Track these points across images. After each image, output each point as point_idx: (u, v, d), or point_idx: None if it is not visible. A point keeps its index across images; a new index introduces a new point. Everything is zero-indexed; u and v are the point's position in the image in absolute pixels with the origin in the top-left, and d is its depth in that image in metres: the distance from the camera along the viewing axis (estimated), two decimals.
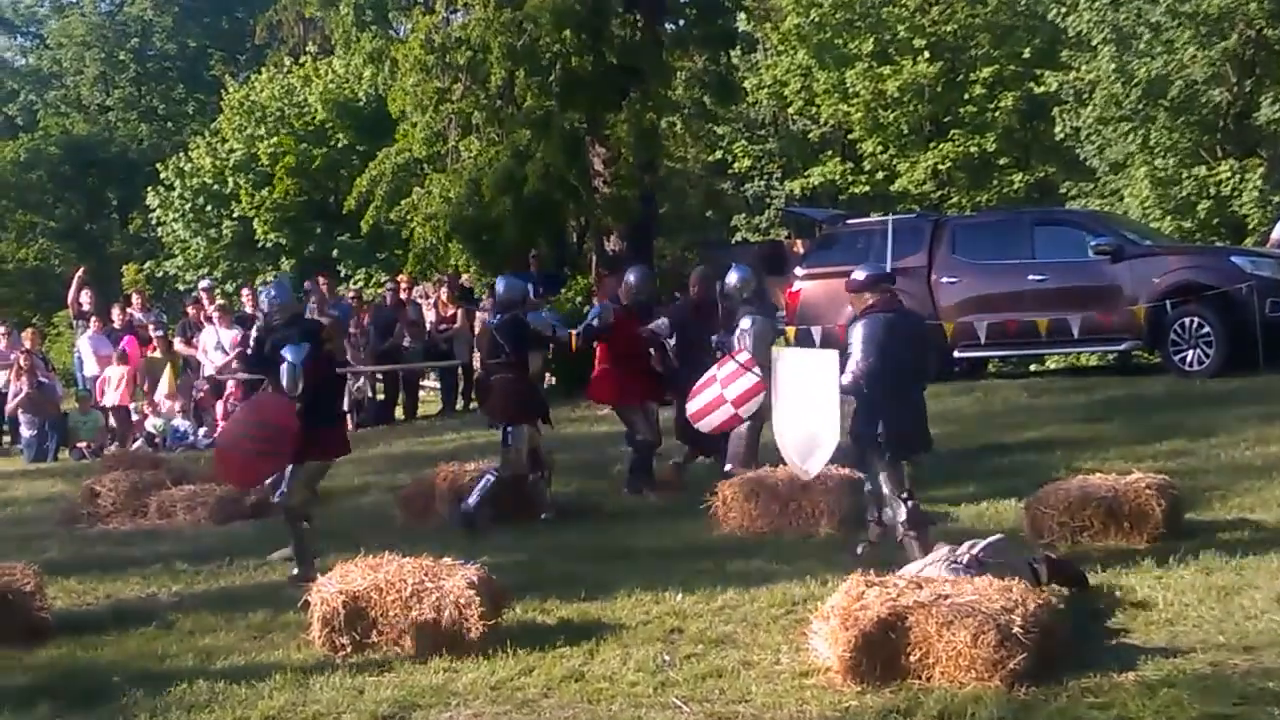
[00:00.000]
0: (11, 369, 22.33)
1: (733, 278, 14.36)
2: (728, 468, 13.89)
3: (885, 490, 10.54)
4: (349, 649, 9.14)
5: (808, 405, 10.71)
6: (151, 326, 22.93)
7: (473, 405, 22.27)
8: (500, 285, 14.94)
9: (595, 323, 15.53)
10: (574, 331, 16.15)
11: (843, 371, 10.42)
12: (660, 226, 31.68)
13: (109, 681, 8.98)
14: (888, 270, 11.53)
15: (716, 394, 13.64)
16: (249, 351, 14.19)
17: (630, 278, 16.05)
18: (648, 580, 10.59)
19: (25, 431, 21.81)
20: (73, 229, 52.17)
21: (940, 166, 32.12)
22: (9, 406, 22.47)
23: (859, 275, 11.00)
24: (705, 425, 13.89)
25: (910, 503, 10.47)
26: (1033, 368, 24.03)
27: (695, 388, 13.83)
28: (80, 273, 24.96)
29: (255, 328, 14.09)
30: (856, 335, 10.54)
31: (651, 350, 15.53)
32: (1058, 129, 29.31)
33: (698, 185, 38.85)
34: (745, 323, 13.92)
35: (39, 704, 8.49)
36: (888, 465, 10.52)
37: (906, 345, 10.75)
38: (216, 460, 12.52)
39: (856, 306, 10.91)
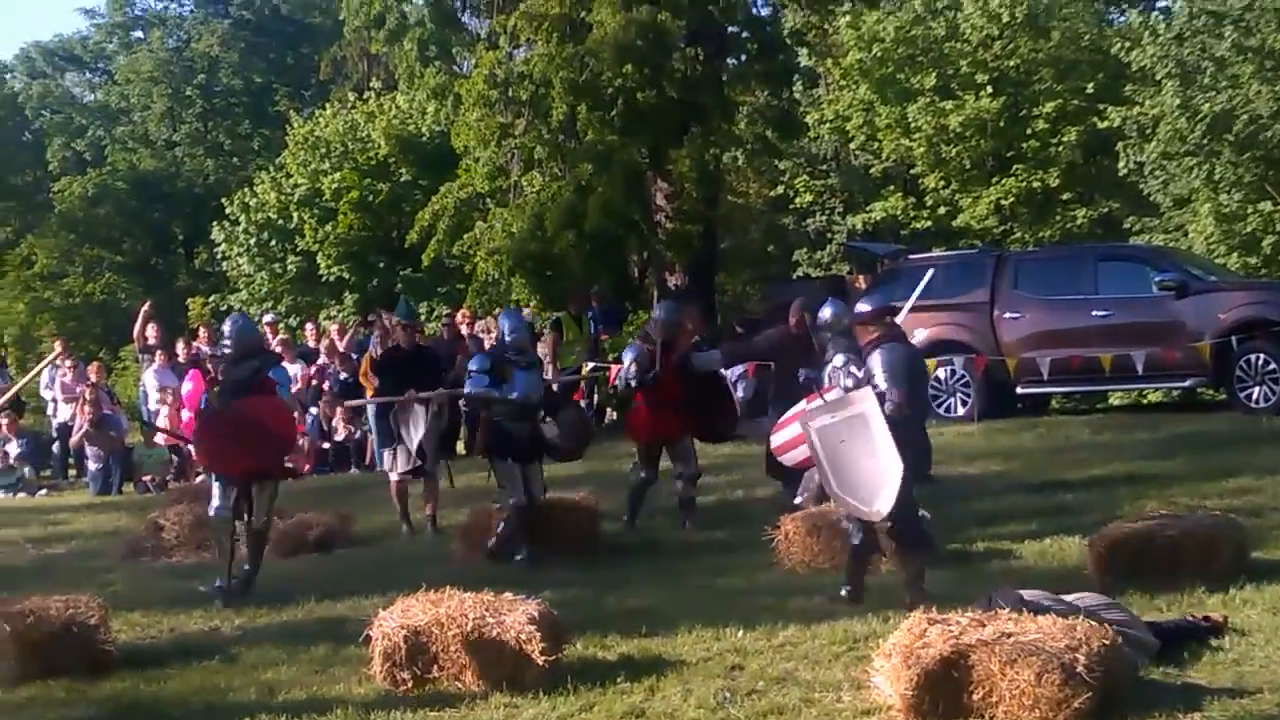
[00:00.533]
0: (77, 402, 22.53)
1: (826, 312, 14.24)
2: (798, 499, 13.83)
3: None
4: (410, 684, 9.15)
5: (859, 450, 10.73)
6: (208, 361, 23.10)
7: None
8: (505, 324, 14.90)
9: (633, 369, 15.43)
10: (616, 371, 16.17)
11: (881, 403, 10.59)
12: (722, 261, 31.70)
13: (171, 715, 9.04)
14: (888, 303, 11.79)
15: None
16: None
17: (657, 313, 16.06)
18: (708, 616, 10.55)
19: (91, 464, 21.97)
20: (139, 263, 52.63)
21: (1003, 202, 31.97)
22: (74, 439, 22.67)
23: (865, 307, 11.51)
24: (789, 459, 13.84)
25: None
26: (1098, 404, 23.91)
27: (782, 420, 13.81)
28: (146, 307, 25.10)
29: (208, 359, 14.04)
30: (877, 364, 10.90)
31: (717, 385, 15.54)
32: (1121, 164, 29.16)
33: (759, 220, 38.83)
34: (838, 360, 13.80)
35: None
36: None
37: (918, 374, 11.35)
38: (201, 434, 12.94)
39: (863, 338, 11.30)
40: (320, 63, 46.54)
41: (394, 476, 16.10)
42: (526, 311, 24.18)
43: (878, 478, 10.65)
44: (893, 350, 10.98)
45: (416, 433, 15.81)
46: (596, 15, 23.62)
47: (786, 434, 13.79)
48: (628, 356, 15.72)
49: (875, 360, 10.95)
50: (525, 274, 24.75)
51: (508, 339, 14.52)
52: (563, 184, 24.33)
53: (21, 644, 9.95)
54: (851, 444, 10.77)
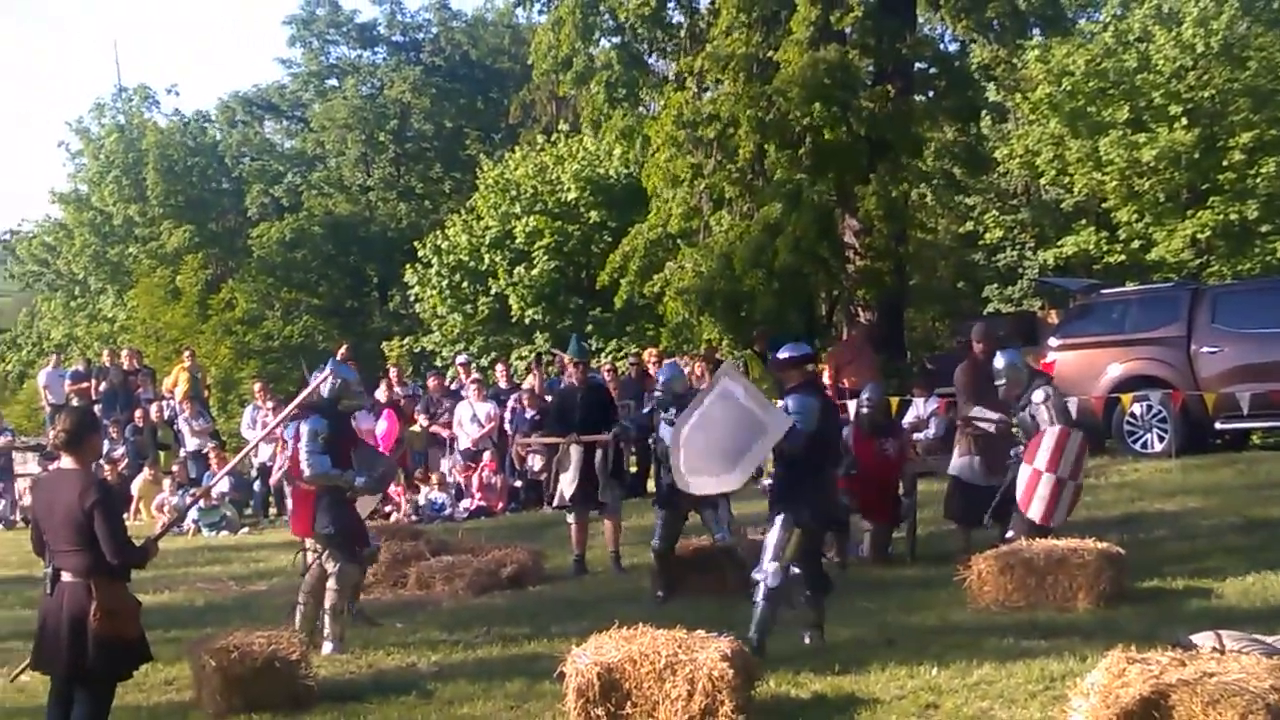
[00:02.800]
0: (277, 442, 22.98)
1: (999, 363, 14.22)
2: (1009, 534, 13.68)
3: (770, 549, 11.09)
4: None
5: (732, 441, 11.04)
6: (403, 400, 23.47)
7: None
8: (660, 376, 15.01)
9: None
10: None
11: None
12: (911, 298, 31.51)
13: None
14: (811, 350, 11.98)
15: (1029, 472, 13.52)
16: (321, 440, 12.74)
17: (864, 394, 16.17)
18: (902, 654, 10.50)
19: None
20: (335, 306, 53.51)
21: (1199, 235, 31.38)
22: (274, 478, 23.14)
23: (784, 354, 11.77)
24: (1035, 509, 13.65)
25: (785, 574, 11.04)
26: None
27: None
28: (343, 350, 25.51)
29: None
30: (794, 407, 11.19)
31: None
32: None
33: (949, 256, 38.53)
34: (1038, 395, 13.81)
35: None
36: (786, 530, 11.10)
37: (829, 423, 11.53)
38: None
39: (785, 382, 11.75)
40: (509, 106, 47.10)
41: (569, 516, 16.39)
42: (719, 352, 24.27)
43: (717, 470, 11.15)
44: (806, 398, 11.27)
45: (566, 473, 16.26)
46: (783, 54, 23.66)
47: (1021, 488, 13.68)
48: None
49: (788, 403, 11.29)
50: (715, 313, 24.78)
51: (656, 392, 14.82)
52: (751, 223, 24.36)
53: (226, 678, 10.20)
54: (732, 431, 11.07)
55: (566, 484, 16.17)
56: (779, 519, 11.17)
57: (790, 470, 11.21)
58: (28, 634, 9.69)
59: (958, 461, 15.02)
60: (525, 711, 9.84)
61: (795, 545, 11.15)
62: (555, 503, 16.91)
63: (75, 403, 25.20)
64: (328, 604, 12.48)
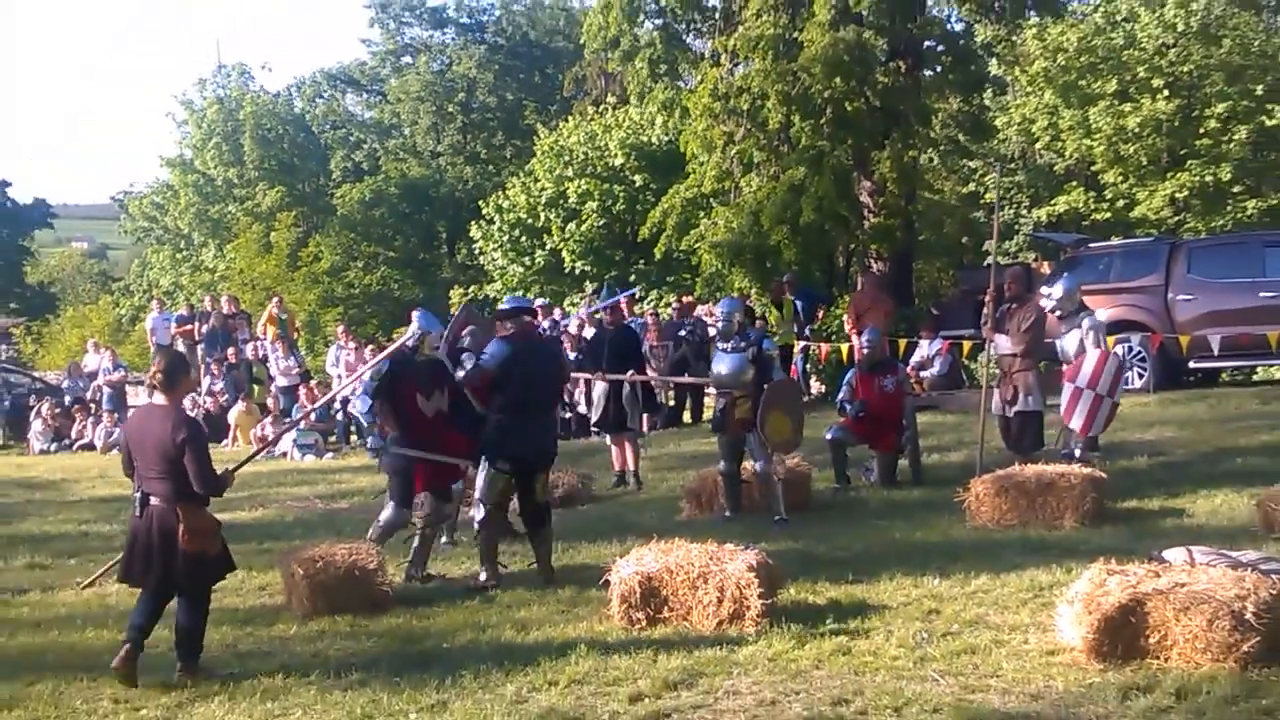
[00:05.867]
0: (356, 379, 23.10)
1: (1059, 290, 14.34)
2: (1078, 454, 13.87)
3: (476, 492, 11.24)
4: (644, 623, 9.23)
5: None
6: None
7: None
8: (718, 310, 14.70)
9: (845, 391, 15.81)
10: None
11: (464, 369, 11.35)
12: (919, 251, 31.35)
13: (439, 647, 9.23)
14: (532, 304, 11.96)
15: (1071, 389, 13.69)
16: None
17: (863, 338, 16.05)
18: (908, 567, 10.49)
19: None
20: (409, 258, 53.81)
21: (1177, 195, 31.15)
22: (354, 409, 23.31)
23: (504, 306, 11.93)
24: (1076, 421, 13.83)
25: (488, 511, 11.14)
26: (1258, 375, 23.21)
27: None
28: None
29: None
30: (490, 350, 11.22)
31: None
32: None
33: (953, 214, 38.29)
34: (1087, 323, 13.96)
35: (381, 664, 8.76)
36: (492, 471, 11.14)
37: (536, 371, 11.25)
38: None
39: (499, 331, 11.64)
40: (564, 81, 47.05)
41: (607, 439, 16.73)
42: (749, 300, 24.20)
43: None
44: (509, 345, 11.17)
45: (594, 401, 17.34)
46: (807, 35, 23.50)
47: (1064, 408, 13.88)
48: (846, 376, 16.04)
49: (490, 347, 11.30)
50: (744, 264, 24.77)
51: (718, 324, 14.44)
52: (777, 185, 24.29)
53: (312, 585, 10.28)
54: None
55: (593, 412, 16.56)
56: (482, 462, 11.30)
57: (494, 416, 11.28)
58: None
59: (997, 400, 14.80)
60: (575, 615, 9.87)
61: (494, 485, 11.20)
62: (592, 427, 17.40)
63: (181, 343, 25.40)
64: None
